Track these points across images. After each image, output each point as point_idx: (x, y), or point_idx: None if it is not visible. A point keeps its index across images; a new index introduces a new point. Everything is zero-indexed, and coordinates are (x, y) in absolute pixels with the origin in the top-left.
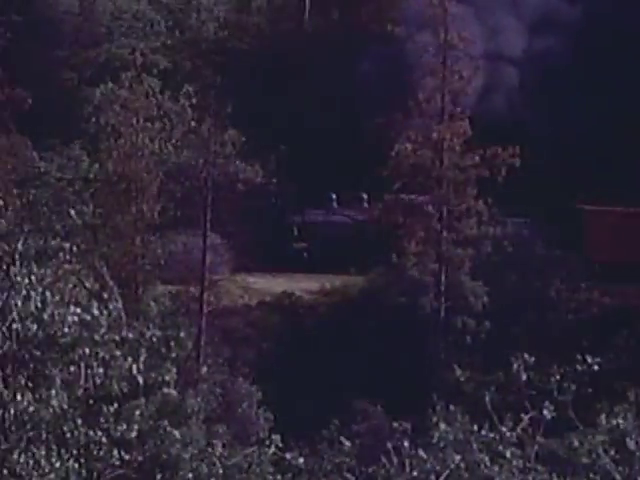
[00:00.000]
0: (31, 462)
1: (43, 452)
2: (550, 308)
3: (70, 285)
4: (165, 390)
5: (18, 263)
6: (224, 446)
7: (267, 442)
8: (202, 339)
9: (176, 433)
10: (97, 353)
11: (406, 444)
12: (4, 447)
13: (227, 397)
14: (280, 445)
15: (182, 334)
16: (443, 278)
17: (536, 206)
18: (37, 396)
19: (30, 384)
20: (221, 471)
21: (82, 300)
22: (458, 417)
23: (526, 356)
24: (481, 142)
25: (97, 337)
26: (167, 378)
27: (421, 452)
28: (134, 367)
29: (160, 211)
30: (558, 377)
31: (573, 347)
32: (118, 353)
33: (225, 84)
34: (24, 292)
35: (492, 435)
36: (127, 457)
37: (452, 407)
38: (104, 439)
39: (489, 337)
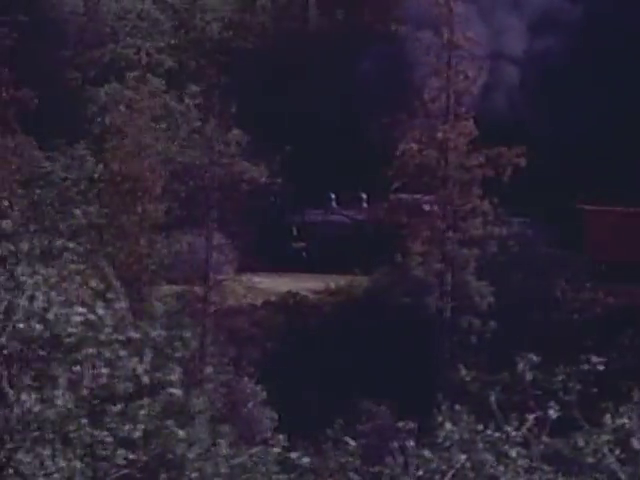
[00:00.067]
0: (36, 462)
1: (48, 452)
2: (555, 308)
3: (75, 285)
4: (170, 390)
5: (23, 263)
6: (229, 446)
7: (272, 441)
8: (207, 339)
9: (181, 433)
10: (102, 353)
11: (411, 444)
12: (9, 447)
13: (232, 397)
14: (285, 444)
15: (187, 334)
16: (448, 278)
17: (536, 206)
18: (42, 396)
19: (35, 384)
20: (226, 471)
21: (87, 300)
22: (463, 417)
23: (531, 356)
24: (481, 142)
25: (102, 337)
26: (172, 378)
27: (426, 452)
28: (139, 367)
29: (165, 211)
30: (563, 377)
31: (578, 347)
32: (123, 353)
33: (230, 84)
34: (29, 292)
35: (497, 435)
36: (132, 457)
37: (457, 407)
38: (109, 439)
39: (494, 337)
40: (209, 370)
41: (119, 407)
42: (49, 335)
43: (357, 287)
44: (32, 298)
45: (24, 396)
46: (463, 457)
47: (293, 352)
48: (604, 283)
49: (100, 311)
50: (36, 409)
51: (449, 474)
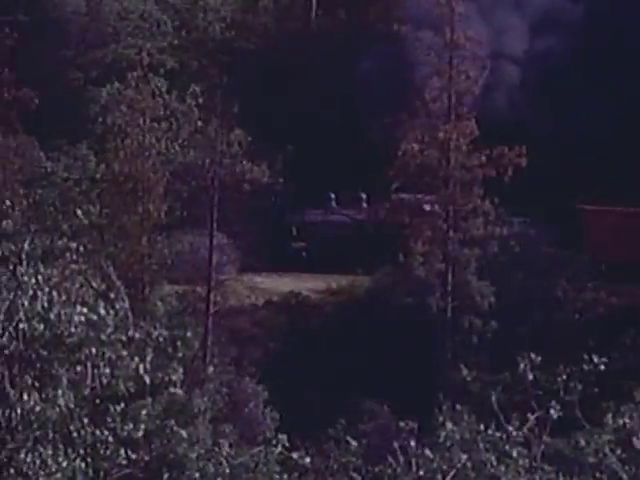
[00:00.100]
0: (38, 461)
1: (50, 451)
2: (556, 308)
3: (77, 285)
4: (172, 390)
5: (25, 263)
6: (231, 445)
7: (273, 441)
8: (209, 339)
9: (183, 432)
10: (104, 353)
11: (412, 443)
12: (11, 447)
13: (234, 397)
14: (286, 445)
15: (189, 334)
16: (450, 278)
17: (536, 206)
18: (44, 396)
19: (37, 384)
20: (228, 470)
21: (89, 300)
22: (464, 417)
23: (533, 356)
24: (481, 141)
25: (104, 337)
26: (174, 378)
27: (427, 451)
28: (141, 367)
29: (167, 211)
30: (565, 377)
31: (579, 346)
32: (125, 353)
33: (232, 84)
34: (31, 292)
35: (499, 435)
36: (134, 456)
37: (458, 407)
38: (111, 438)
39: (496, 337)
40: (211, 370)
41: (121, 407)
42: (51, 335)
43: (359, 287)
44: (34, 298)
45: (26, 396)
46: (464, 457)
47: (295, 352)
48: (605, 283)
49: (102, 311)
50: (38, 409)
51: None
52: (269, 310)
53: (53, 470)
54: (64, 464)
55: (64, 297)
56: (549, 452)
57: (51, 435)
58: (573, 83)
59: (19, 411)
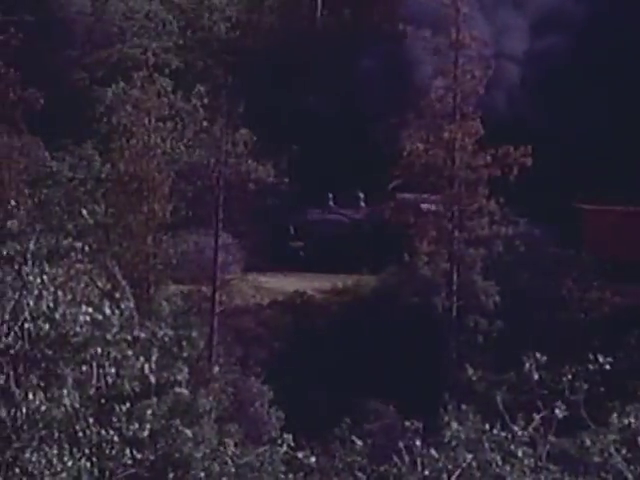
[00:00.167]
0: (43, 461)
1: (55, 451)
2: (562, 307)
3: (82, 284)
4: (177, 389)
5: (30, 262)
6: (236, 445)
7: (279, 441)
8: (214, 339)
9: (188, 432)
10: (109, 352)
11: (418, 443)
12: (16, 446)
13: (239, 396)
14: (292, 444)
15: (194, 334)
16: (455, 278)
17: (535, 205)
18: (49, 395)
19: (42, 383)
20: (233, 470)
21: (94, 299)
22: (470, 416)
23: (538, 355)
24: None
25: (109, 336)
26: (179, 377)
27: (433, 451)
28: (146, 366)
29: (172, 211)
30: (570, 376)
31: (585, 346)
32: (130, 352)
33: (237, 84)
34: (36, 291)
35: (504, 434)
36: (139, 456)
37: (464, 406)
38: (116, 438)
39: (501, 336)
40: (216, 370)
41: (126, 406)
42: (56, 334)
43: (364, 287)
44: (39, 298)
45: (31, 395)
46: (469, 457)
47: (300, 352)
48: (610, 282)
49: (107, 311)
50: (43, 408)
51: (455, 473)
52: (274, 310)
53: (58, 469)
54: (69, 464)
55: (69, 297)
56: (554, 452)
57: (56, 435)
58: (573, 83)
59: (24, 410)
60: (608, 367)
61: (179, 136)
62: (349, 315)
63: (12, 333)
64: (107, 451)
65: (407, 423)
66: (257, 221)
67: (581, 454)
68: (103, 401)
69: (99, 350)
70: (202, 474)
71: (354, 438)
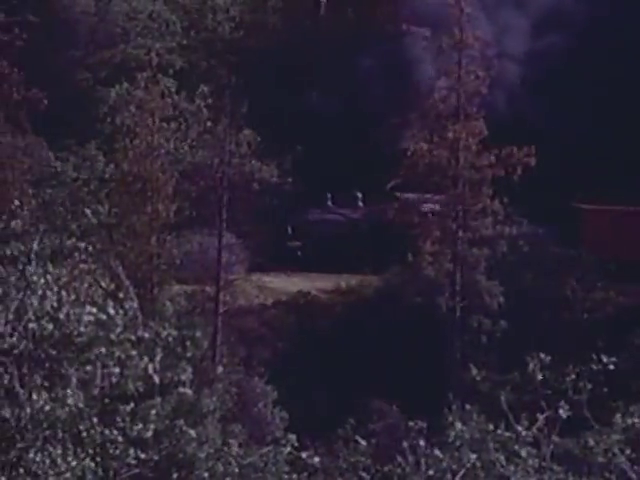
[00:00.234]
0: (47, 461)
1: (59, 451)
2: (565, 307)
3: (86, 285)
4: (181, 389)
5: (34, 263)
6: (240, 445)
7: (283, 441)
8: (218, 339)
9: (192, 432)
10: (113, 352)
11: (422, 443)
12: (20, 446)
13: (243, 396)
14: (296, 444)
15: (198, 334)
16: (459, 278)
17: (534, 205)
18: (53, 395)
19: (46, 383)
20: (237, 470)
21: (98, 300)
22: (474, 416)
23: (542, 355)
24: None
25: (113, 336)
26: (183, 377)
27: (437, 451)
28: (150, 366)
29: (175, 211)
30: (574, 376)
31: (588, 346)
32: (134, 352)
33: (240, 84)
34: (40, 292)
35: (508, 434)
36: (143, 456)
37: (468, 406)
38: (120, 438)
39: (505, 336)
40: (220, 370)
41: (130, 407)
42: (60, 335)
43: (367, 287)
44: (43, 298)
45: (35, 395)
46: (473, 457)
47: (303, 352)
48: (613, 282)
49: (111, 311)
50: (47, 408)
51: (460, 473)
52: (278, 310)
53: (62, 470)
54: (73, 464)
55: (73, 297)
56: (558, 452)
57: (60, 435)
58: (573, 83)
59: (28, 411)
60: (612, 367)
61: (183, 136)
62: (352, 315)
63: (16, 333)
64: (111, 451)
65: (411, 423)
66: (260, 221)
67: (585, 454)
68: (107, 401)
69: (103, 350)
70: (206, 474)
71: (358, 438)
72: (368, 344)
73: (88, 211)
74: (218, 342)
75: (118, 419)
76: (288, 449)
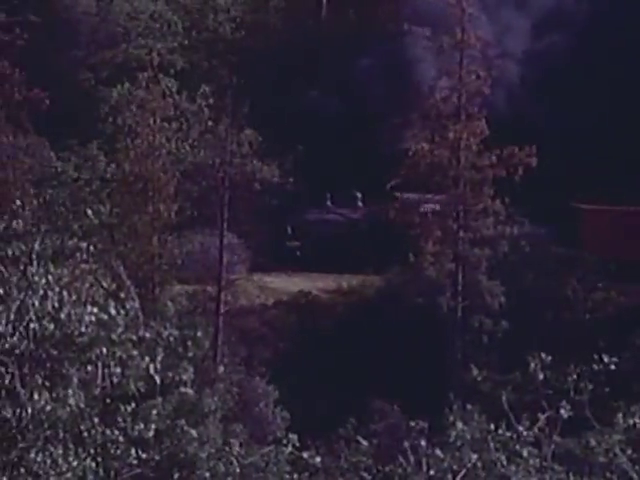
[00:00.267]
0: (48, 461)
1: (60, 451)
2: (566, 307)
3: (87, 285)
4: (182, 389)
5: (35, 263)
6: (241, 445)
7: (284, 441)
8: (219, 338)
9: (193, 432)
10: (114, 352)
11: (423, 443)
12: (22, 446)
13: (244, 396)
14: (297, 444)
15: (199, 334)
16: (460, 278)
17: (534, 205)
18: (54, 395)
19: (47, 383)
20: (238, 470)
21: (99, 300)
22: (475, 416)
23: (543, 355)
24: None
25: (114, 336)
26: (184, 377)
27: (438, 451)
28: (151, 366)
29: (177, 211)
30: (575, 376)
31: (590, 346)
32: (135, 352)
33: (242, 84)
34: (41, 292)
35: (509, 434)
36: (144, 456)
37: (469, 406)
38: (121, 438)
39: (506, 336)
40: (221, 370)
41: (131, 406)
42: (61, 335)
43: (369, 287)
44: (44, 298)
45: (36, 395)
46: (475, 456)
47: (305, 351)
48: (615, 282)
49: (112, 311)
50: (48, 408)
51: (461, 473)
52: (279, 310)
53: (64, 469)
54: (75, 463)
55: (74, 297)
56: (559, 452)
57: (62, 435)
58: (574, 82)
59: (30, 410)
60: (613, 367)
61: (184, 136)
62: (354, 315)
63: (17, 333)
64: (112, 451)
65: (412, 423)
66: (261, 221)
67: (586, 454)
68: (108, 401)
69: (104, 350)
70: (207, 474)
71: (359, 438)
72: (369, 344)
73: (89, 211)
74: (219, 342)
75: (119, 419)
76: (289, 449)
